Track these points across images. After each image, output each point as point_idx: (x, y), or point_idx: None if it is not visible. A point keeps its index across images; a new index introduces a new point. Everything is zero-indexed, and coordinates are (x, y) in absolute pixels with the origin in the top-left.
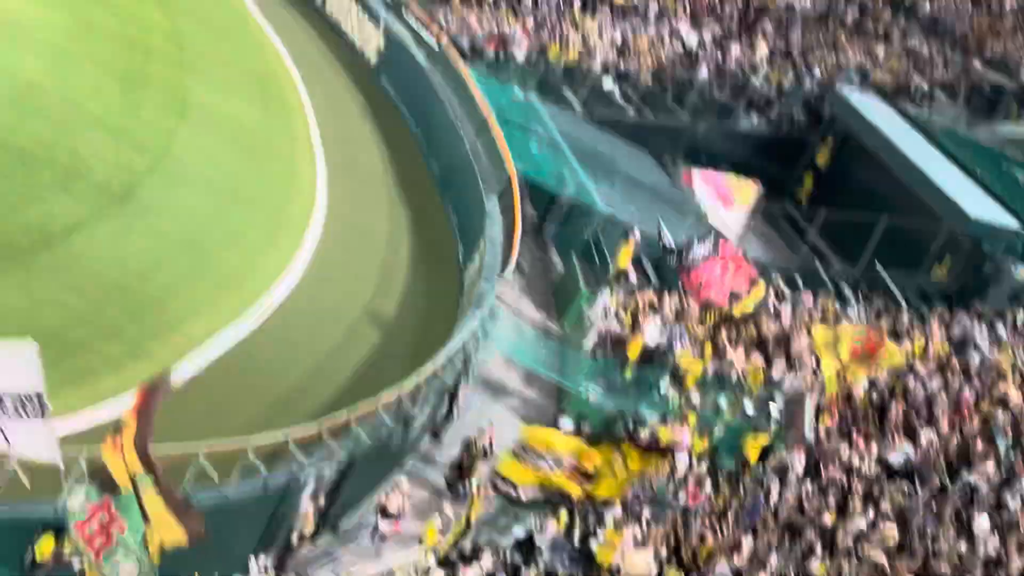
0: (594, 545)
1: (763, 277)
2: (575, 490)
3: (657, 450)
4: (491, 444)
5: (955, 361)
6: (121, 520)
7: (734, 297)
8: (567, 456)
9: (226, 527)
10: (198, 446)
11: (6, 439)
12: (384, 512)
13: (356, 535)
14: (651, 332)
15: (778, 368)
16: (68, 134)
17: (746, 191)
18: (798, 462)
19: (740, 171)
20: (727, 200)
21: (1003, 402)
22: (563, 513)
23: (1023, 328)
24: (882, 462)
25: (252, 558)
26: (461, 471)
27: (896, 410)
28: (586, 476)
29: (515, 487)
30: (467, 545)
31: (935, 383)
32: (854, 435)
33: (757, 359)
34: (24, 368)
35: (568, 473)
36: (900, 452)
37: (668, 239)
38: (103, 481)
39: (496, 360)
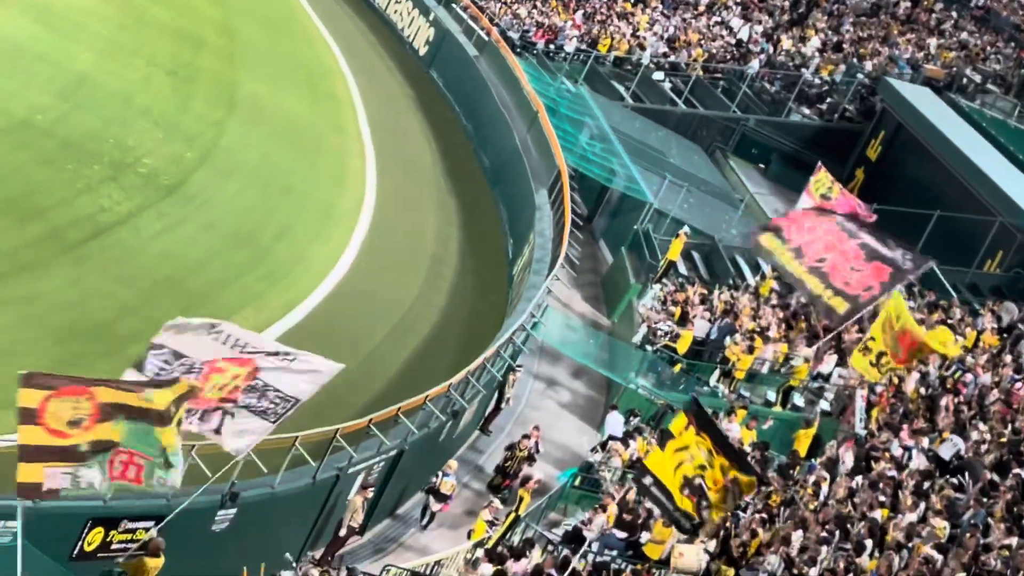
0: (643, 539)
1: None
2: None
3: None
4: (537, 446)
5: (1007, 355)
6: (134, 451)
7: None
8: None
9: (274, 520)
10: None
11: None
12: (436, 494)
13: (405, 525)
14: (700, 325)
15: (829, 361)
16: (118, 126)
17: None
18: (848, 456)
19: (790, 164)
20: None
21: None
22: (612, 507)
23: None
24: (932, 456)
25: (301, 551)
26: (504, 474)
27: (947, 404)
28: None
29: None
30: (516, 539)
31: (986, 377)
32: (904, 428)
33: (805, 350)
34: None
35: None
36: (950, 446)
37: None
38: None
39: (545, 353)
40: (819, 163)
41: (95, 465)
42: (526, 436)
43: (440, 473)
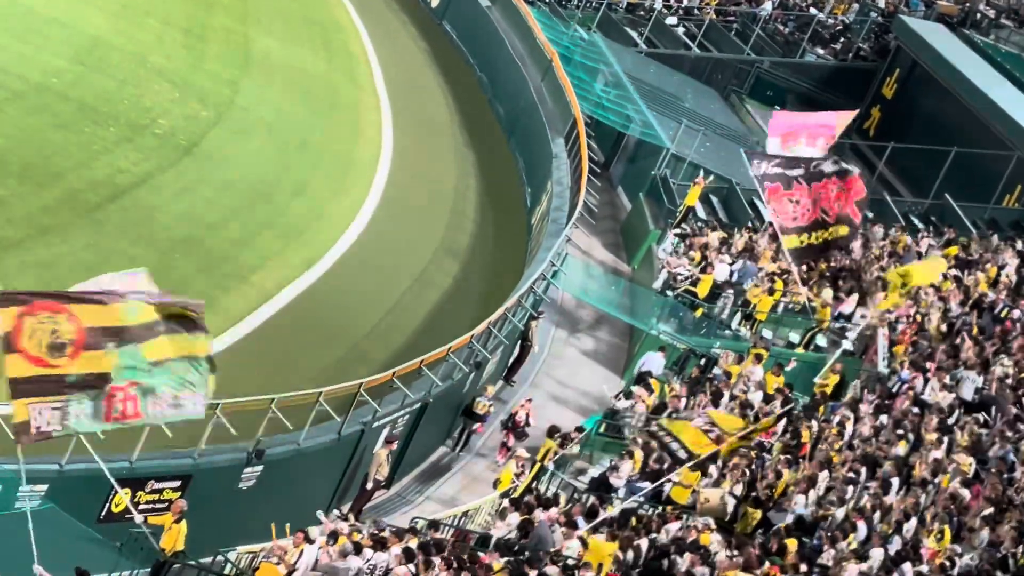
0: (669, 485)
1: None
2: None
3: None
4: (528, 419)
5: None
6: (129, 381)
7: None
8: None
9: (301, 477)
10: (270, 398)
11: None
12: (471, 414)
13: (431, 478)
14: (720, 270)
15: (850, 301)
16: (132, 88)
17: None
18: (872, 395)
19: (806, 105)
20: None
21: None
22: (638, 453)
23: None
24: (956, 392)
25: (328, 506)
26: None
27: (969, 340)
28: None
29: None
30: (542, 488)
31: (1015, 312)
32: (928, 366)
33: (828, 293)
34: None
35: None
36: (969, 384)
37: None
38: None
39: (567, 301)
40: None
41: (86, 401)
42: (522, 406)
43: (476, 397)
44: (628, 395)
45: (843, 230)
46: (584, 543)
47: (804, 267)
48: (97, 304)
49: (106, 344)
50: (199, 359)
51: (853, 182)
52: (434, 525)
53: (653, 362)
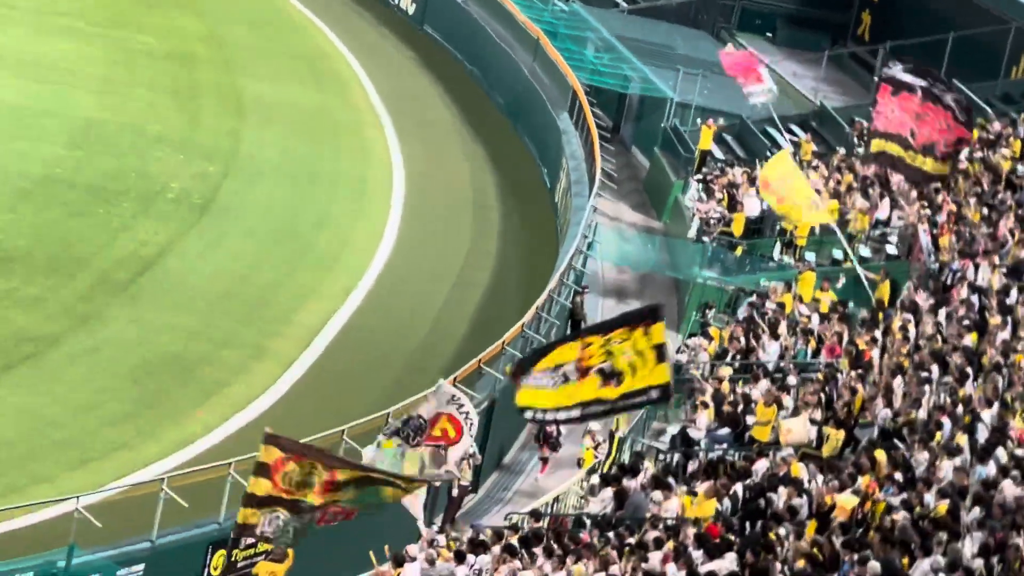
0: (750, 423)
1: (848, 123)
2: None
3: None
4: (559, 429)
5: None
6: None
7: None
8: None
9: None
10: (340, 430)
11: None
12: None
13: (515, 472)
14: (751, 204)
15: (884, 206)
16: (136, 160)
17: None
18: (927, 292)
19: (797, 25)
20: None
21: None
22: (710, 403)
23: None
24: (1009, 270)
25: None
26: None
27: (1009, 218)
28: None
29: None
30: (625, 457)
31: None
32: (976, 250)
33: (862, 203)
34: None
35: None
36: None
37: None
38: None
39: (607, 269)
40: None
41: (307, 516)
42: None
43: None
44: (689, 346)
45: (926, 163)
46: (679, 502)
47: (831, 182)
48: (359, 471)
49: (347, 488)
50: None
51: (962, 131)
52: (534, 515)
53: None
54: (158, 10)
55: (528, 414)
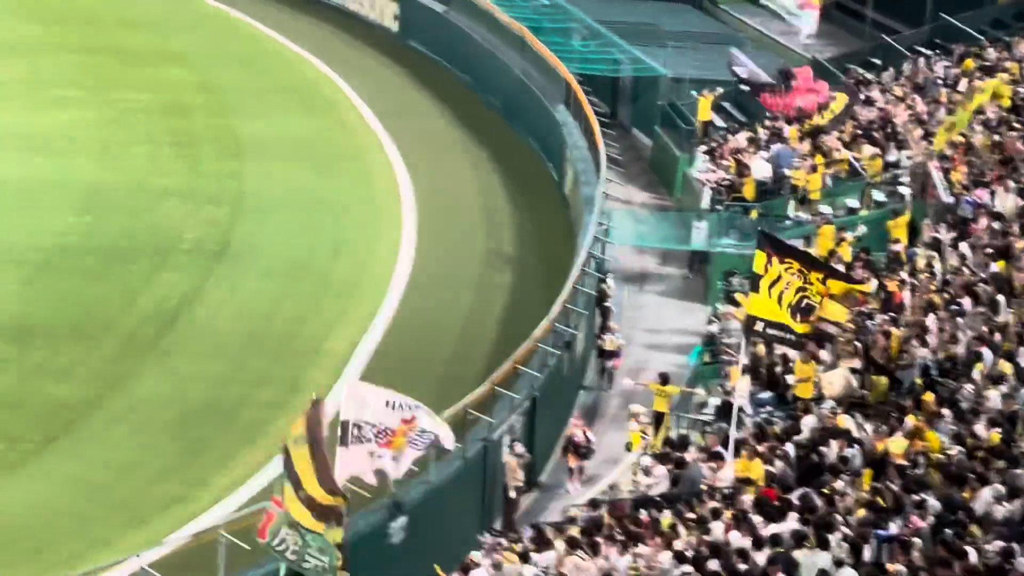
0: (791, 382)
1: (841, 72)
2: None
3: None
4: (587, 438)
5: None
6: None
7: (820, 108)
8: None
9: (445, 510)
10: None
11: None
12: (603, 352)
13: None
14: (759, 167)
15: (891, 149)
16: (145, 216)
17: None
18: (947, 226)
19: None
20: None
21: None
22: (749, 367)
23: None
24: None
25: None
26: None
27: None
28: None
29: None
30: (672, 434)
31: None
32: (989, 178)
33: (869, 148)
34: None
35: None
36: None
37: (743, 68)
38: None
39: (627, 252)
40: None
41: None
42: (575, 427)
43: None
44: (718, 315)
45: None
46: (733, 469)
47: (836, 133)
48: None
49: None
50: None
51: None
52: (592, 504)
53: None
54: (145, 66)
55: (758, 326)
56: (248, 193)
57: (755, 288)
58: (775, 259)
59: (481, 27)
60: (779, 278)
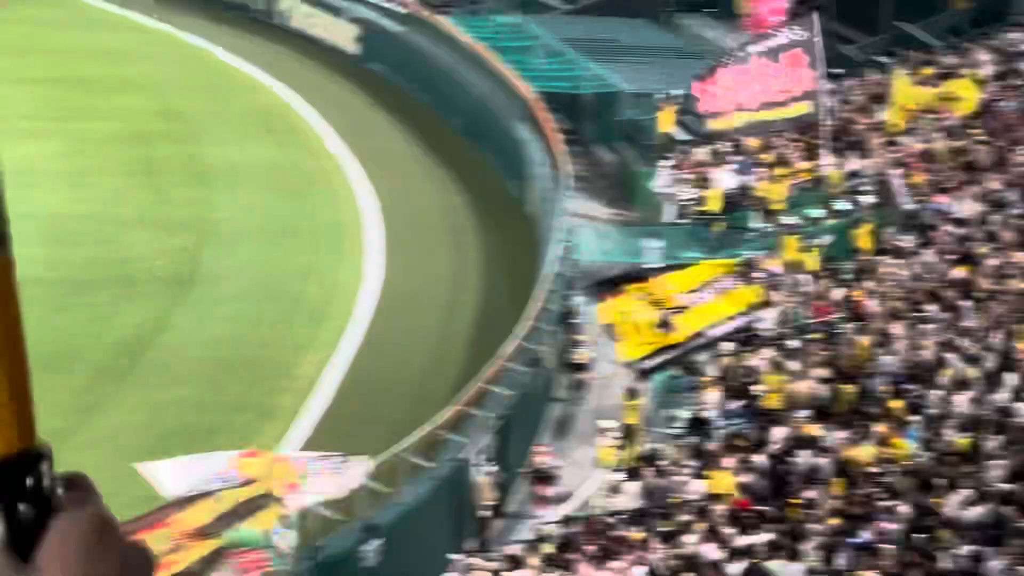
0: (759, 392)
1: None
2: None
3: None
4: (553, 467)
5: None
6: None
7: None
8: None
9: (419, 531)
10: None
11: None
12: (574, 367)
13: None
14: (723, 179)
15: (852, 158)
16: (112, 245)
17: None
18: (910, 233)
19: None
20: None
21: None
22: (718, 379)
23: None
24: (986, 200)
25: (456, 551)
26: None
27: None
28: None
29: None
30: (643, 450)
31: (1006, 105)
32: (950, 185)
33: (832, 159)
34: None
35: None
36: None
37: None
38: None
39: (592, 268)
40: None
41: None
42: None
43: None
44: None
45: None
46: (705, 481)
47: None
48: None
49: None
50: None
51: (799, 58)
52: (565, 521)
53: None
54: (109, 95)
55: None
56: (215, 220)
57: None
58: None
59: (441, 47)
60: None
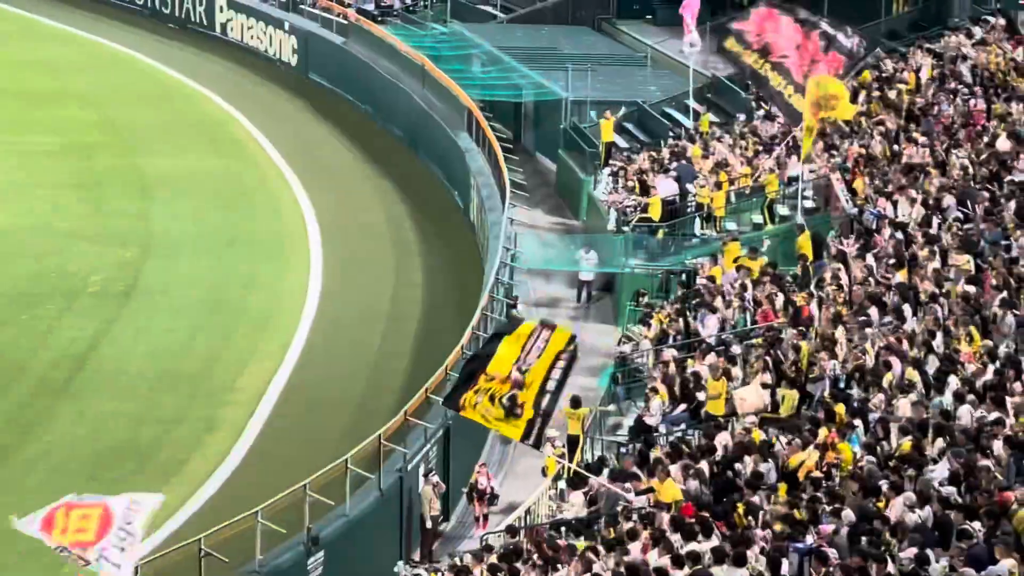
0: (702, 398)
1: (742, 89)
2: None
3: None
4: (490, 485)
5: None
6: None
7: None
8: None
9: (364, 543)
10: (301, 485)
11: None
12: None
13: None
14: (664, 186)
15: (793, 163)
16: (52, 259)
17: None
18: (851, 238)
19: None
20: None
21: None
22: (660, 386)
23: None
24: (929, 203)
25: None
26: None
27: (914, 149)
28: None
29: None
30: (588, 456)
31: (946, 107)
32: (890, 189)
33: (770, 163)
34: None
35: None
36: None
37: None
38: None
39: (535, 276)
40: None
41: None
42: (478, 472)
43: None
44: (628, 337)
45: (800, 103)
46: (650, 489)
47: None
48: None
49: None
50: None
51: (838, 60)
52: (510, 531)
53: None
54: (47, 107)
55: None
56: (156, 232)
57: None
58: None
59: (381, 58)
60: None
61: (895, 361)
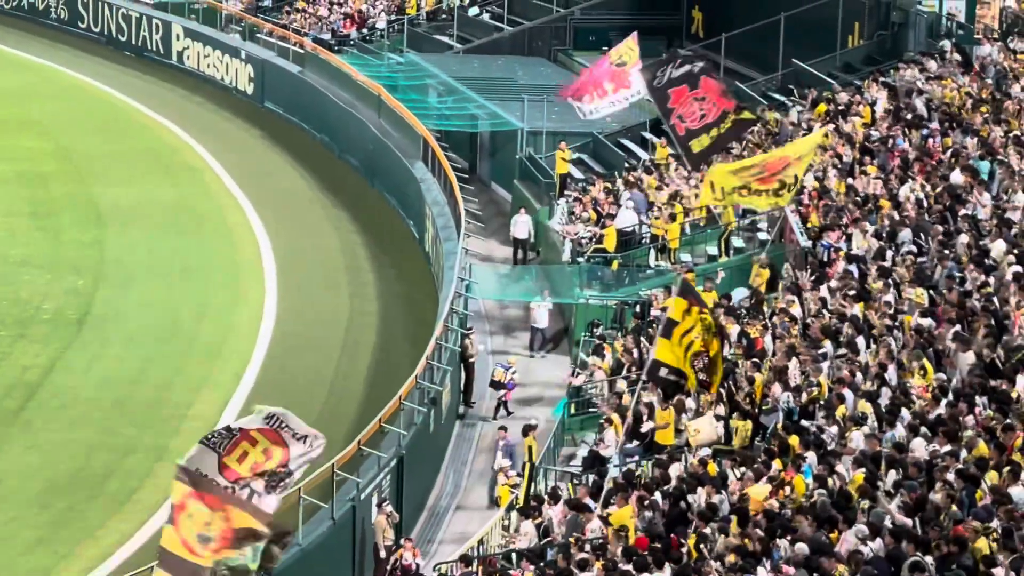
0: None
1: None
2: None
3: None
4: (415, 560)
5: (905, 114)
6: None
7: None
8: None
9: (316, 573)
10: None
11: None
12: (494, 384)
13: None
14: (619, 217)
15: None
16: (4, 287)
17: (629, 49)
18: (806, 271)
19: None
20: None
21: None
22: (615, 417)
23: (954, 60)
24: (883, 235)
25: None
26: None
27: (867, 180)
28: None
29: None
30: (542, 487)
31: (900, 141)
32: (844, 221)
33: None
34: None
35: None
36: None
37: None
38: None
39: (489, 307)
40: (633, 33)
41: None
42: (405, 549)
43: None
44: (583, 367)
45: (745, 115)
46: (604, 519)
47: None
48: (253, 516)
49: (244, 545)
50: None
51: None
52: (464, 560)
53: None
54: (1, 135)
55: (663, 371)
56: (109, 261)
57: (667, 335)
58: (695, 309)
59: (337, 87)
60: (692, 328)
61: (848, 394)
